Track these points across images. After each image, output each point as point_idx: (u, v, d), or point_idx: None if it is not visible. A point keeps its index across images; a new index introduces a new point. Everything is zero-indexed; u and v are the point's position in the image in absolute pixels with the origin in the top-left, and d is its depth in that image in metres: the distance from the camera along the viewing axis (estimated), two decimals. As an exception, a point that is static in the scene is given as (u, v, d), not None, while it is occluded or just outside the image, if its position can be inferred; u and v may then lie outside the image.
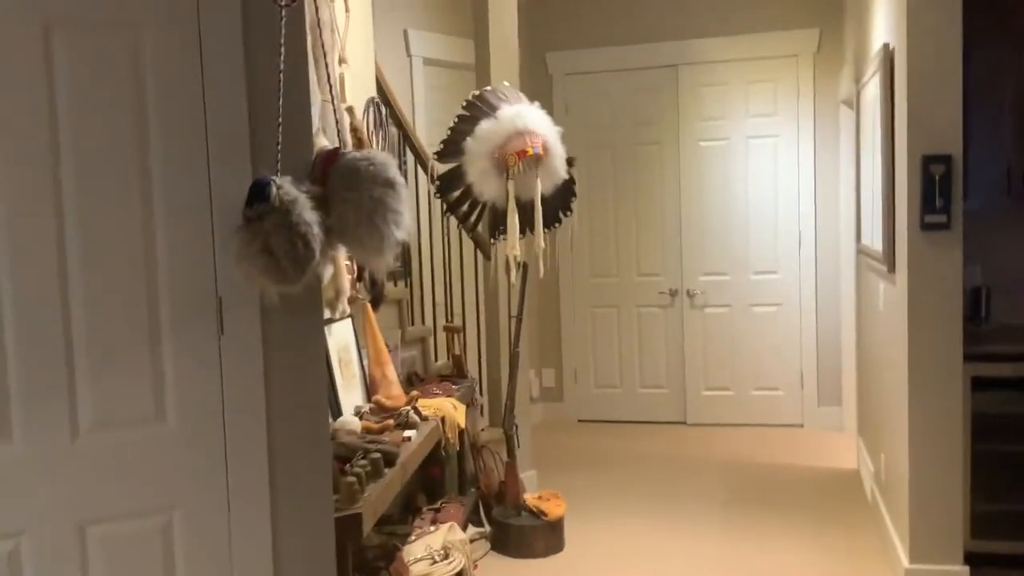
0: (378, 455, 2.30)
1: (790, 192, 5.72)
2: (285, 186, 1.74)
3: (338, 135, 2.42)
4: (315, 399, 1.93)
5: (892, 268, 3.38)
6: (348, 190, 1.83)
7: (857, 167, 4.50)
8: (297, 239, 1.69)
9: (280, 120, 1.80)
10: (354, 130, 3.23)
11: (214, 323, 1.81)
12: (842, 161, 5.43)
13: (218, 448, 1.82)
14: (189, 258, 1.79)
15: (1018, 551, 3.14)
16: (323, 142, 2.61)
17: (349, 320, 3.20)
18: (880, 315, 3.76)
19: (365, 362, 3.28)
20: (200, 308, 1.80)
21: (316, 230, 1.73)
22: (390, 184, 1.86)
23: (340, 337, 3.10)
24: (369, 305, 3.29)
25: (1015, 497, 3.13)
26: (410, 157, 4.02)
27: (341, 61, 3.26)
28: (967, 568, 3.12)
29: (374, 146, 3.53)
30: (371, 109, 3.47)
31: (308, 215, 1.73)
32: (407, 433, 2.75)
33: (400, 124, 3.84)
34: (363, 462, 2.25)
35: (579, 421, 6.14)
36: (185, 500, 1.80)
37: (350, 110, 3.22)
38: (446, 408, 3.19)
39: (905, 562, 3.20)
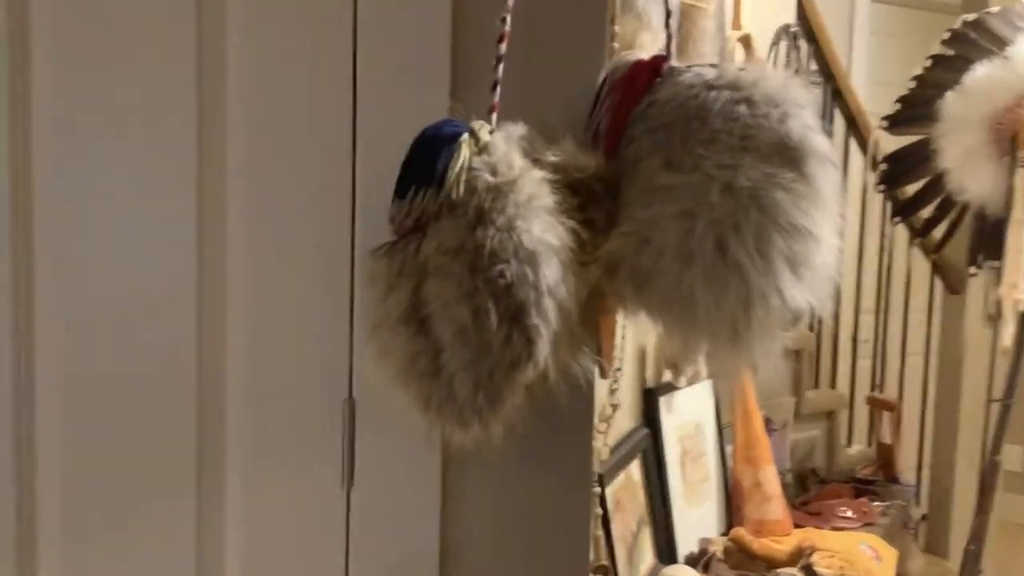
0: None
1: None
2: (494, 143, 0.69)
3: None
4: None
5: None
6: (671, 166, 0.72)
7: None
8: (487, 298, 0.63)
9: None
10: (748, 72, 2.08)
11: (335, 462, 0.82)
12: None
13: None
14: (285, 321, 0.82)
15: None
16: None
17: (708, 385, 2.10)
18: None
19: (729, 452, 2.15)
20: (306, 426, 0.83)
21: (554, 273, 0.65)
22: (792, 157, 0.71)
23: (688, 414, 2.01)
24: (745, 361, 2.14)
25: None
26: (839, 122, 2.77)
27: (738, -37, 2.13)
28: None
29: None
30: (782, 43, 2.30)
31: (540, 226, 0.66)
32: (784, 625, 1.58)
33: (829, 71, 2.61)
34: None
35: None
36: None
37: (745, 40, 2.09)
38: (861, 563, 1.93)
39: None
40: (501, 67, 0.74)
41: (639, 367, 1.86)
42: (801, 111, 0.74)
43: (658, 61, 0.78)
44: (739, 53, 2.10)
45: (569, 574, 0.86)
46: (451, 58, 0.81)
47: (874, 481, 2.56)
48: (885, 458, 2.63)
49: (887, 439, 2.70)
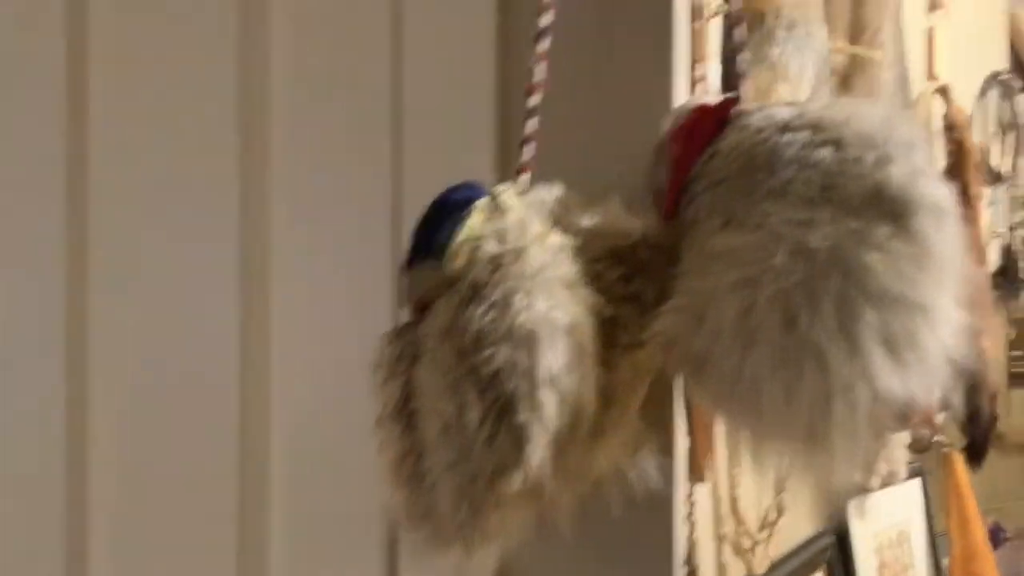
0: None
1: None
2: (511, 208, 0.59)
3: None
4: None
5: None
6: (732, 226, 0.59)
7: None
8: (470, 389, 0.52)
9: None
10: (950, 127, 1.86)
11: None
12: None
13: None
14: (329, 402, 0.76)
15: None
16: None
17: (916, 482, 1.83)
18: None
19: (944, 563, 1.86)
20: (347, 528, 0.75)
21: (559, 359, 0.53)
22: (891, 209, 0.56)
23: (887, 519, 1.75)
24: (959, 456, 1.88)
25: None
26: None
27: (935, 6, 1.94)
28: None
29: (998, 162, 2.11)
30: (991, 94, 2.05)
31: (547, 301, 0.55)
32: None
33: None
34: None
35: None
36: None
37: (943, 91, 1.86)
38: None
39: None
40: (532, 121, 0.64)
41: (820, 463, 1.65)
42: (910, 153, 0.59)
43: (726, 105, 0.66)
44: (937, 107, 1.88)
45: None
46: (497, 113, 0.73)
47: None
48: None
49: None
